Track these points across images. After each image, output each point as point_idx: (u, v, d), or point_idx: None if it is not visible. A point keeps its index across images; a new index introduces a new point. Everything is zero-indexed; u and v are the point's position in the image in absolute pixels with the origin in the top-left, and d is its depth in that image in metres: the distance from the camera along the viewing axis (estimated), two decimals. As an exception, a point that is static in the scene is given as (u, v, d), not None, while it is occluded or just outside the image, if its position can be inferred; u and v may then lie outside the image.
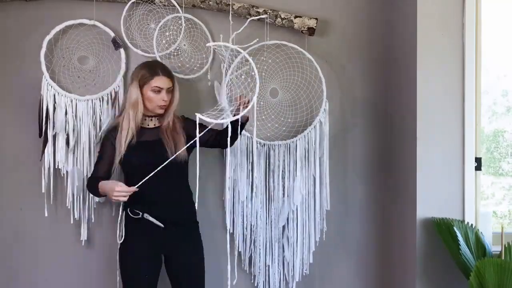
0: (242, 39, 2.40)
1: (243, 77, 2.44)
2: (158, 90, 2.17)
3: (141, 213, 2.15)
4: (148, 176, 2.00)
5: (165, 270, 2.25)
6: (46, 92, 2.40)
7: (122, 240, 2.19)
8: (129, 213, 2.18)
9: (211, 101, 2.53)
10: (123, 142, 2.14)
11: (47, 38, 2.41)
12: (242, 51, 2.11)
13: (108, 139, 2.23)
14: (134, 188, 2.03)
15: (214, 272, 2.45)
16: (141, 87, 2.18)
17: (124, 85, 2.50)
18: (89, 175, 2.45)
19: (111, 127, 2.27)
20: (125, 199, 2.03)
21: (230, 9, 2.42)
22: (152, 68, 2.19)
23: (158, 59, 2.46)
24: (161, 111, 2.21)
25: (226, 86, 2.42)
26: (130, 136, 2.15)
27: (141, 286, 2.16)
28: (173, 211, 2.18)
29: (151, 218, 2.13)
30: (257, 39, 2.41)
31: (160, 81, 2.17)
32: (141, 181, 2.01)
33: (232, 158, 2.43)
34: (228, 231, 2.17)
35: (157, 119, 2.25)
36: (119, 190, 2.00)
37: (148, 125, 2.23)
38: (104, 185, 2.09)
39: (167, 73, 2.20)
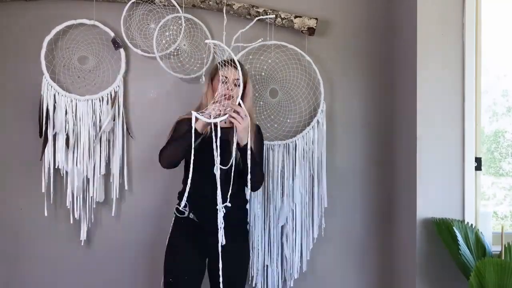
0: (243, 38, 2.40)
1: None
2: (224, 81, 2.06)
3: (187, 212, 2.11)
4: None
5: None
6: (46, 92, 2.41)
7: (168, 239, 2.14)
8: (176, 212, 2.14)
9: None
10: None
11: (47, 38, 2.41)
12: (229, 50, 2.06)
13: (182, 125, 2.15)
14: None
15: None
16: (210, 81, 2.15)
17: (124, 85, 2.51)
18: (88, 175, 2.45)
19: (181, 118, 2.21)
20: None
21: (224, 7, 2.42)
22: (221, 62, 2.10)
23: (158, 59, 2.46)
24: (225, 102, 2.01)
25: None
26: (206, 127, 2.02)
27: (180, 286, 2.08)
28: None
29: (193, 217, 2.09)
30: (261, 39, 2.42)
31: (227, 71, 2.07)
32: (197, 176, 1.89)
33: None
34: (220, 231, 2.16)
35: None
36: (209, 112, 1.91)
37: (225, 122, 2.01)
38: (197, 125, 1.94)
39: (235, 64, 2.03)
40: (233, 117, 1.96)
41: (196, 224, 2.10)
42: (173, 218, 2.16)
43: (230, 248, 1.95)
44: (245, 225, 2.21)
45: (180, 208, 2.11)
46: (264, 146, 2.50)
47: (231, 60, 2.06)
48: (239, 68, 1.98)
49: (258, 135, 2.24)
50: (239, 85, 2.04)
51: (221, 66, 2.07)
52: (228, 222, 1.93)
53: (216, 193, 1.91)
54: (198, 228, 2.09)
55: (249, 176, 1.98)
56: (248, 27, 2.29)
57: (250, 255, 2.21)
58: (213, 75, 2.15)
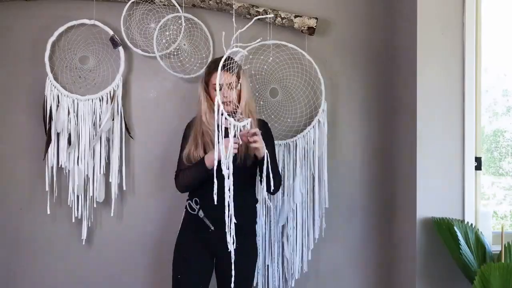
0: (242, 38, 2.40)
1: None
2: (219, 88, 1.94)
3: (197, 210, 2.11)
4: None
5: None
6: (49, 92, 2.42)
7: (177, 237, 2.15)
8: (188, 207, 2.14)
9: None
10: (209, 137, 2.08)
11: (51, 40, 2.43)
12: (243, 50, 2.09)
13: (185, 132, 2.21)
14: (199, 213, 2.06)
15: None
16: (205, 85, 2.15)
17: (124, 84, 2.51)
18: (89, 174, 2.45)
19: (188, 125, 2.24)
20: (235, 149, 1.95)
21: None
22: (210, 64, 2.15)
23: (158, 58, 2.46)
24: (227, 108, 2.04)
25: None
26: (211, 130, 2.07)
27: (187, 284, 2.09)
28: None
29: (203, 217, 2.08)
30: (261, 38, 2.42)
31: (215, 77, 1.92)
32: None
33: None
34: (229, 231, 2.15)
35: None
36: (225, 146, 1.86)
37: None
38: (209, 157, 2.01)
39: (224, 67, 1.97)
40: (254, 142, 1.96)
41: (205, 223, 2.10)
42: (183, 215, 2.17)
43: (238, 247, 1.92)
44: (253, 224, 2.20)
45: (192, 205, 2.12)
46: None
47: (216, 64, 1.97)
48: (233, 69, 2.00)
49: (266, 133, 2.19)
50: (234, 88, 2.07)
51: (208, 73, 2.10)
52: (237, 221, 1.89)
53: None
54: (207, 227, 2.09)
55: (265, 187, 1.98)
56: (246, 27, 2.28)
57: (258, 254, 2.22)
58: (207, 84, 2.13)
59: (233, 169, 1.86)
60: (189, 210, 2.14)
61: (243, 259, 2.04)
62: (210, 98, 2.13)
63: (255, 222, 2.21)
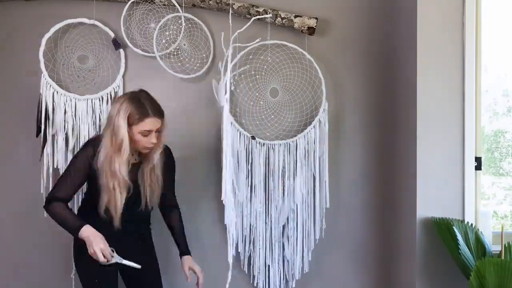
0: (243, 38, 2.40)
1: (242, 76, 2.45)
2: (147, 134, 1.97)
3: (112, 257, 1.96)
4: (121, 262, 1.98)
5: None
6: (45, 90, 2.40)
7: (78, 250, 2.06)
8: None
9: (212, 100, 2.52)
10: (118, 174, 1.95)
11: (46, 36, 2.41)
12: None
13: (86, 156, 1.99)
14: (113, 259, 1.93)
15: (212, 272, 2.45)
16: (128, 125, 1.95)
17: (124, 84, 2.51)
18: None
19: (91, 142, 2.04)
20: (102, 260, 1.89)
21: (230, 10, 2.42)
22: (142, 107, 1.96)
23: (158, 58, 2.46)
24: (146, 151, 2.03)
25: (225, 85, 2.41)
26: (125, 191, 1.99)
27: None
28: (134, 242, 2.13)
29: (126, 262, 1.98)
30: (260, 38, 2.42)
31: (150, 124, 1.96)
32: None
33: (230, 158, 2.42)
34: (228, 231, 2.16)
35: (138, 154, 2.07)
36: (103, 248, 1.89)
37: (129, 160, 2.01)
38: (87, 231, 1.92)
39: (158, 111, 1.99)
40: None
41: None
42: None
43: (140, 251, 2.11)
44: (149, 230, 2.25)
45: None
46: (264, 145, 2.51)
47: (152, 107, 1.98)
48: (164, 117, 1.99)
49: (168, 160, 2.17)
50: (161, 131, 2.02)
51: (140, 117, 1.95)
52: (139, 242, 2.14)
53: (131, 228, 2.08)
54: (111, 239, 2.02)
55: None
56: (245, 27, 2.29)
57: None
58: (130, 122, 1.95)
59: (134, 215, 2.05)
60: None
61: (145, 259, 2.12)
62: (131, 143, 1.98)
63: (150, 227, 2.25)
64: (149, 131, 1.97)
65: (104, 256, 1.90)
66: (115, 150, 1.94)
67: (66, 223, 1.97)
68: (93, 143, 2.01)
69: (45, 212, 2.01)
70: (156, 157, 2.05)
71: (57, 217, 1.98)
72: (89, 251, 1.90)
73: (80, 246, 1.98)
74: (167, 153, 2.18)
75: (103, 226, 1.98)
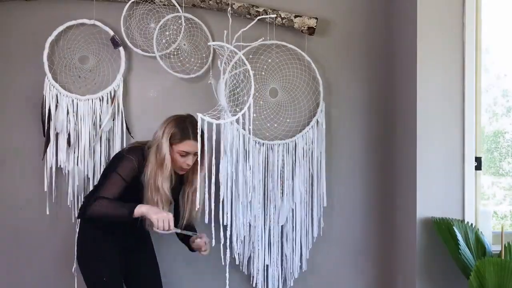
0: (243, 38, 2.40)
1: (241, 77, 2.44)
2: (185, 155, 2.10)
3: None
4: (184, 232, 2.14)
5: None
6: (48, 92, 2.42)
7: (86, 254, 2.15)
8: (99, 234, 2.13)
9: (211, 100, 2.52)
10: (161, 189, 2.06)
11: (50, 39, 2.42)
12: (238, 52, 2.10)
13: (132, 168, 2.07)
14: (173, 229, 2.01)
15: (212, 271, 2.46)
16: (169, 144, 2.09)
17: (124, 84, 2.51)
18: (89, 174, 2.45)
19: (132, 152, 2.11)
20: (165, 227, 1.97)
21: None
22: (185, 129, 2.09)
23: (158, 58, 2.46)
24: (181, 173, 2.16)
25: (225, 85, 2.42)
26: (165, 188, 2.07)
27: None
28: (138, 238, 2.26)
29: (184, 232, 2.15)
30: (262, 38, 2.42)
31: (189, 146, 2.09)
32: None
33: (230, 158, 2.42)
34: (223, 230, 2.16)
35: (180, 178, 2.21)
36: (165, 217, 1.97)
37: (172, 179, 2.13)
38: (142, 207, 1.99)
39: (197, 136, 2.04)
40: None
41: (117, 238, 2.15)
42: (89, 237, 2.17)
43: (142, 249, 2.24)
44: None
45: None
46: (263, 145, 2.50)
47: (194, 132, 2.07)
48: (199, 140, 1.99)
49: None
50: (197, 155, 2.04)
51: (180, 138, 2.08)
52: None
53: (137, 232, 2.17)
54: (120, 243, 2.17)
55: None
56: (249, 26, 2.29)
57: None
58: (173, 141, 2.09)
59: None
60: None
61: (148, 262, 2.28)
62: (172, 162, 2.09)
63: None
64: (187, 153, 2.09)
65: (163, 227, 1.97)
66: (158, 166, 2.06)
67: (118, 210, 2.00)
68: (134, 153, 2.09)
69: (75, 214, 2.23)
70: (197, 181, 2.11)
71: (107, 208, 1.99)
72: (153, 221, 1.96)
73: (91, 249, 2.11)
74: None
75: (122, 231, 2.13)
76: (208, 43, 2.15)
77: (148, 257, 2.29)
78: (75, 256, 2.22)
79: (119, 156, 2.13)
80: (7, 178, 2.51)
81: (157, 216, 1.96)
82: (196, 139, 2.05)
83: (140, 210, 1.98)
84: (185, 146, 2.08)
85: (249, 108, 2.17)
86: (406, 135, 2.43)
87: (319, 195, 2.54)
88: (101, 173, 2.29)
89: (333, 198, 2.58)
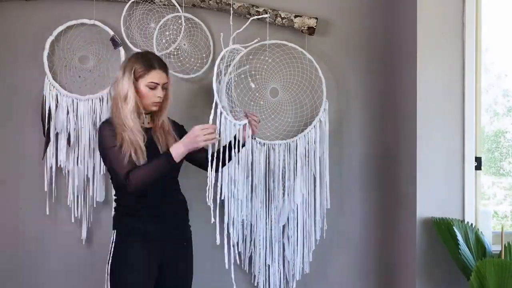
0: (243, 38, 2.40)
1: (242, 76, 2.44)
2: (154, 87, 2.00)
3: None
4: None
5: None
6: (48, 92, 2.42)
7: (115, 247, 2.00)
8: (124, 221, 2.03)
9: (211, 100, 2.52)
10: (139, 146, 1.94)
11: (50, 39, 2.42)
12: (243, 49, 2.10)
13: (112, 135, 1.96)
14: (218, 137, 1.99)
15: (212, 272, 2.46)
16: (134, 80, 1.98)
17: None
18: (89, 174, 2.44)
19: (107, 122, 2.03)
20: (214, 137, 1.94)
21: (231, 10, 2.42)
22: (148, 60, 2.00)
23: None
24: (155, 109, 2.04)
25: (226, 85, 2.42)
26: (140, 137, 1.95)
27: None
28: (170, 218, 2.07)
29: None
30: (258, 39, 2.41)
31: (157, 76, 2.00)
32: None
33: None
34: (226, 229, 2.15)
35: (150, 117, 2.09)
36: (206, 127, 1.92)
37: (143, 123, 2.04)
38: (176, 148, 1.93)
39: (164, 67, 2.03)
40: (254, 126, 2.14)
41: (147, 231, 2.02)
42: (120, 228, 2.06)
43: (179, 254, 2.09)
44: (189, 232, 2.19)
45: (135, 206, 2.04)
46: (264, 145, 2.50)
47: (159, 62, 2.01)
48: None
49: (177, 125, 2.19)
50: (167, 88, 2.04)
51: (146, 69, 1.98)
52: (177, 223, 2.11)
53: (163, 192, 2.05)
54: (151, 235, 2.03)
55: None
56: (243, 27, 2.29)
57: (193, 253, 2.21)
58: (136, 76, 1.98)
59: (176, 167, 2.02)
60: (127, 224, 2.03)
61: (183, 270, 2.13)
62: (143, 100, 2.01)
63: (190, 230, 2.20)
64: (156, 84, 2.00)
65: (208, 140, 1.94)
66: (121, 102, 1.96)
67: (156, 168, 1.93)
68: (106, 121, 2.02)
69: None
70: (162, 119, 2.06)
71: (144, 175, 1.92)
72: (201, 145, 1.94)
73: (123, 249, 1.99)
74: (173, 121, 2.18)
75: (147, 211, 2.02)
76: (223, 52, 2.15)
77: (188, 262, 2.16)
78: (108, 265, 2.02)
79: (99, 133, 2.01)
80: (7, 178, 2.51)
81: (197, 138, 1.92)
82: (161, 68, 2.01)
83: (176, 151, 1.93)
84: (153, 76, 1.99)
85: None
86: (406, 135, 2.43)
87: (322, 196, 2.51)
88: (101, 158, 2.15)
89: (334, 198, 2.57)
